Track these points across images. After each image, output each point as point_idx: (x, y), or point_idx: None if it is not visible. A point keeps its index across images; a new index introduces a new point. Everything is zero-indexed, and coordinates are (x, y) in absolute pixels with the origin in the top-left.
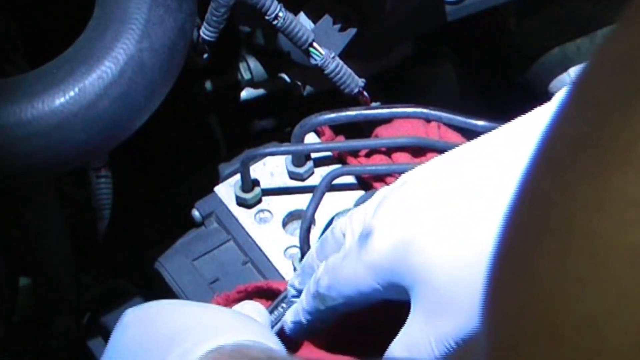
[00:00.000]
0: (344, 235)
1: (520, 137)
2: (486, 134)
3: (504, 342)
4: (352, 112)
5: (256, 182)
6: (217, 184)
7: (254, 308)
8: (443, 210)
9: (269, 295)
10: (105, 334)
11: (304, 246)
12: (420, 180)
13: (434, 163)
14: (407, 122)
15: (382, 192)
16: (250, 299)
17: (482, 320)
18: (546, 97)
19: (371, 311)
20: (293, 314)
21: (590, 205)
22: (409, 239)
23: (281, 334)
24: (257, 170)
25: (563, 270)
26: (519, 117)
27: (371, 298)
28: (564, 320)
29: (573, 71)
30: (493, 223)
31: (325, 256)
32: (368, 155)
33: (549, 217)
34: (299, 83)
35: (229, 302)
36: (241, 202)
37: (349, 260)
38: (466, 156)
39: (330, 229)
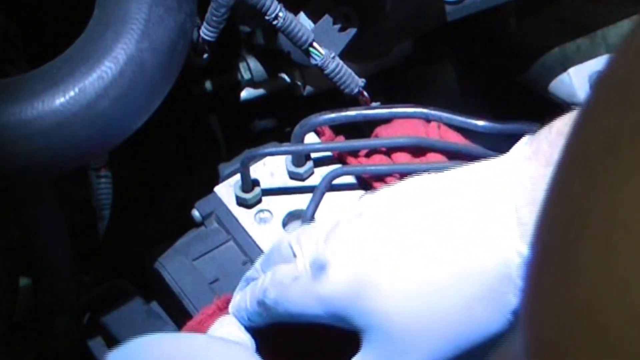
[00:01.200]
0: (293, 253)
1: (479, 179)
2: (450, 170)
3: (547, 346)
4: (352, 112)
5: (256, 182)
6: (217, 184)
7: (230, 325)
8: (401, 250)
9: None
10: (105, 334)
11: None
12: (378, 213)
13: (392, 194)
14: (407, 122)
15: (336, 218)
16: None
17: (521, 329)
18: (546, 97)
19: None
20: (236, 308)
21: (629, 202)
22: (365, 281)
23: None
24: (257, 170)
25: (607, 268)
26: (483, 161)
27: (319, 322)
28: (610, 320)
29: (573, 71)
30: (449, 265)
31: (270, 265)
32: (368, 155)
33: (589, 217)
34: (299, 83)
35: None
36: (241, 202)
37: (300, 285)
38: (425, 191)
39: (277, 243)
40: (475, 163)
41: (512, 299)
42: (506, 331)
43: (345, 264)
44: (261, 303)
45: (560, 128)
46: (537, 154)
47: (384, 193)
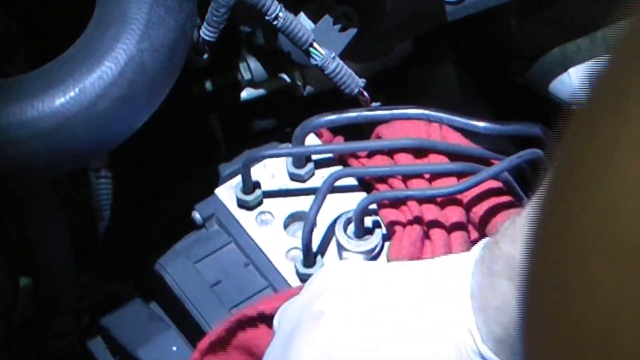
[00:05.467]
0: None
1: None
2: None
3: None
4: (352, 114)
5: (257, 184)
6: (217, 185)
7: None
8: (364, 357)
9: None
10: (107, 337)
11: (306, 248)
12: (339, 316)
13: (354, 294)
14: (408, 122)
15: (292, 315)
16: (244, 329)
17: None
18: (546, 97)
19: None
20: None
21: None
22: None
23: None
24: (257, 172)
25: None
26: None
27: None
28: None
29: (573, 71)
30: None
31: None
32: (369, 156)
33: None
34: (299, 83)
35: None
36: (242, 204)
37: None
38: (386, 295)
39: None
40: (433, 264)
41: None
42: None
43: None
44: None
45: (497, 237)
46: (481, 263)
47: (345, 288)
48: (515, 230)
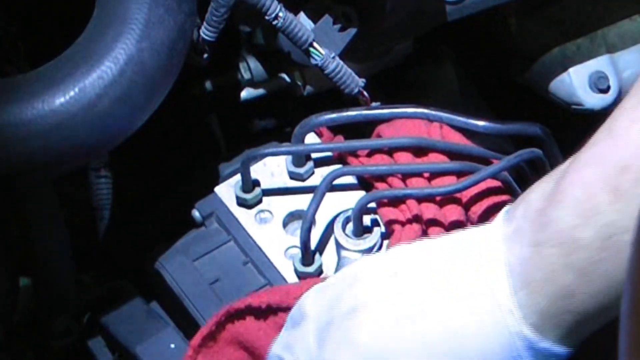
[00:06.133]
0: None
1: (465, 273)
2: (428, 264)
3: None
4: (352, 113)
5: (256, 183)
6: (217, 184)
7: None
8: (404, 347)
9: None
10: (105, 334)
11: (305, 246)
12: (374, 308)
13: (385, 284)
14: (409, 121)
15: (320, 310)
16: (232, 322)
17: None
18: (546, 97)
19: None
20: None
21: None
22: None
23: None
24: (257, 171)
25: None
26: (460, 241)
27: None
28: None
29: (573, 71)
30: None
31: None
32: (369, 155)
33: None
34: (299, 83)
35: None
36: (241, 203)
37: None
38: (410, 285)
39: None
40: (457, 239)
41: None
42: None
43: None
44: None
45: (538, 206)
46: (519, 235)
47: (374, 279)
48: (563, 195)
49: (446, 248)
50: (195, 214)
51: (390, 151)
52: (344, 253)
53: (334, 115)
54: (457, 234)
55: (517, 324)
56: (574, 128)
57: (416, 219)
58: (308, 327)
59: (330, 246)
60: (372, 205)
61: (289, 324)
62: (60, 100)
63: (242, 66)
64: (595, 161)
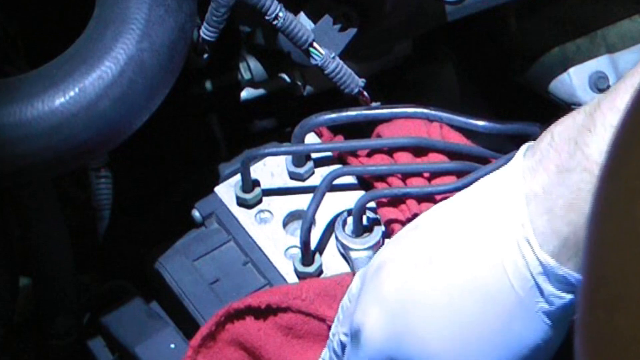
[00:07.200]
0: (341, 344)
1: (485, 201)
2: (451, 199)
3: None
4: (352, 112)
5: (256, 183)
6: (217, 184)
7: None
8: (428, 294)
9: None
10: (105, 334)
11: (305, 246)
12: (396, 263)
13: (406, 239)
14: (409, 121)
15: (360, 283)
16: (232, 322)
17: None
18: (546, 97)
19: None
20: None
21: None
22: (401, 330)
23: None
24: (257, 171)
25: None
26: (483, 180)
27: None
28: None
29: (573, 71)
30: (477, 295)
31: None
32: (369, 154)
33: None
34: (299, 83)
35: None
36: (241, 203)
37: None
38: (433, 229)
39: (331, 348)
40: (476, 184)
41: (544, 305)
42: (548, 334)
43: (377, 319)
44: None
45: (561, 134)
46: (544, 163)
47: (396, 239)
48: (596, 123)
49: (465, 195)
50: (195, 214)
51: (390, 151)
52: (344, 252)
53: (334, 115)
54: (475, 184)
55: (535, 250)
56: None
57: (416, 218)
58: (347, 297)
59: (331, 246)
60: (373, 205)
61: (340, 311)
62: (60, 100)
63: (242, 66)
64: (629, 90)
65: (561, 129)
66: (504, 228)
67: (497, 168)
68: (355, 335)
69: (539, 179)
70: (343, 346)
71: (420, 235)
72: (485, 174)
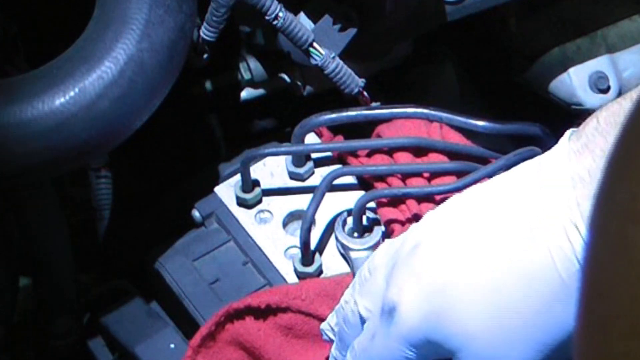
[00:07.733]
0: (358, 314)
1: (532, 182)
2: (495, 178)
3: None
4: (352, 113)
5: (256, 183)
6: (217, 184)
7: None
8: (467, 269)
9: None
10: (105, 334)
11: (304, 246)
12: (435, 241)
13: (442, 217)
14: (409, 121)
15: (388, 258)
16: (232, 322)
17: None
18: (546, 97)
19: None
20: None
21: None
22: (439, 307)
23: None
24: (257, 171)
25: None
26: (527, 162)
27: None
28: None
29: (573, 71)
30: (520, 274)
31: (346, 345)
32: (369, 155)
33: None
34: (299, 83)
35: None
36: (241, 203)
37: (379, 338)
38: (476, 207)
39: (343, 315)
40: (519, 165)
41: None
42: None
43: (415, 297)
44: None
45: (607, 118)
46: (590, 146)
47: (434, 218)
48: None
49: (507, 176)
50: (195, 214)
51: (390, 151)
52: (344, 252)
53: (334, 115)
54: (516, 167)
55: (581, 234)
56: None
57: (416, 218)
58: (377, 274)
59: (330, 246)
60: (373, 205)
61: (357, 280)
62: (60, 100)
63: (242, 66)
64: None
65: (607, 114)
66: (550, 210)
67: (497, 168)
68: (389, 312)
69: (585, 162)
70: (361, 318)
71: (460, 215)
72: (485, 174)
